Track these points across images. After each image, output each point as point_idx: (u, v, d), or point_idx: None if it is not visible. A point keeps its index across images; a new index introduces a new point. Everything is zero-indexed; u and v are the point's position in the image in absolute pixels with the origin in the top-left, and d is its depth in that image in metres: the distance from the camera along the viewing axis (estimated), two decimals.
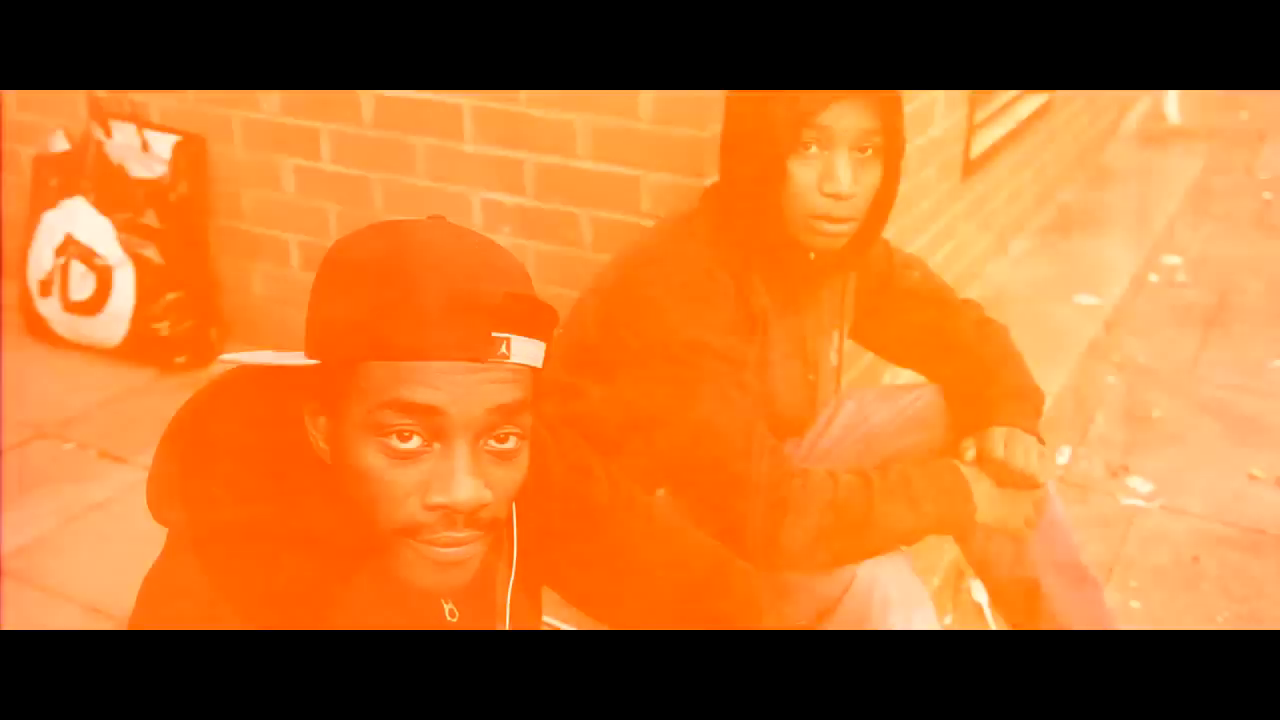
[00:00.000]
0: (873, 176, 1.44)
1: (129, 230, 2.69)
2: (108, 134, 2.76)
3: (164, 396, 2.61)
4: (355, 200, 2.51)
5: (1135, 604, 2.28)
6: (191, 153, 2.70)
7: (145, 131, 2.72)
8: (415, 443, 0.91)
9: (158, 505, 0.99)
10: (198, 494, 0.96)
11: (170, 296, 2.71)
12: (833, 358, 1.70)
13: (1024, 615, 1.85)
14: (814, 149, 1.41)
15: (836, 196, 1.41)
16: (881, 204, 1.48)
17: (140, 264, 2.69)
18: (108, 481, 2.35)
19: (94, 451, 2.45)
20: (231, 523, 0.95)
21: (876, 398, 1.86)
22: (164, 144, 2.70)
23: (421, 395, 0.90)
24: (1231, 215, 4.32)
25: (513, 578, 1.10)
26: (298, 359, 0.98)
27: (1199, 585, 2.35)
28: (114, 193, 2.71)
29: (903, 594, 1.46)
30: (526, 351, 0.94)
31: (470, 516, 0.92)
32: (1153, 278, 3.79)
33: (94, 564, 2.12)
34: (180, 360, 2.74)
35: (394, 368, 0.90)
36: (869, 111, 1.40)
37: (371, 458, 0.92)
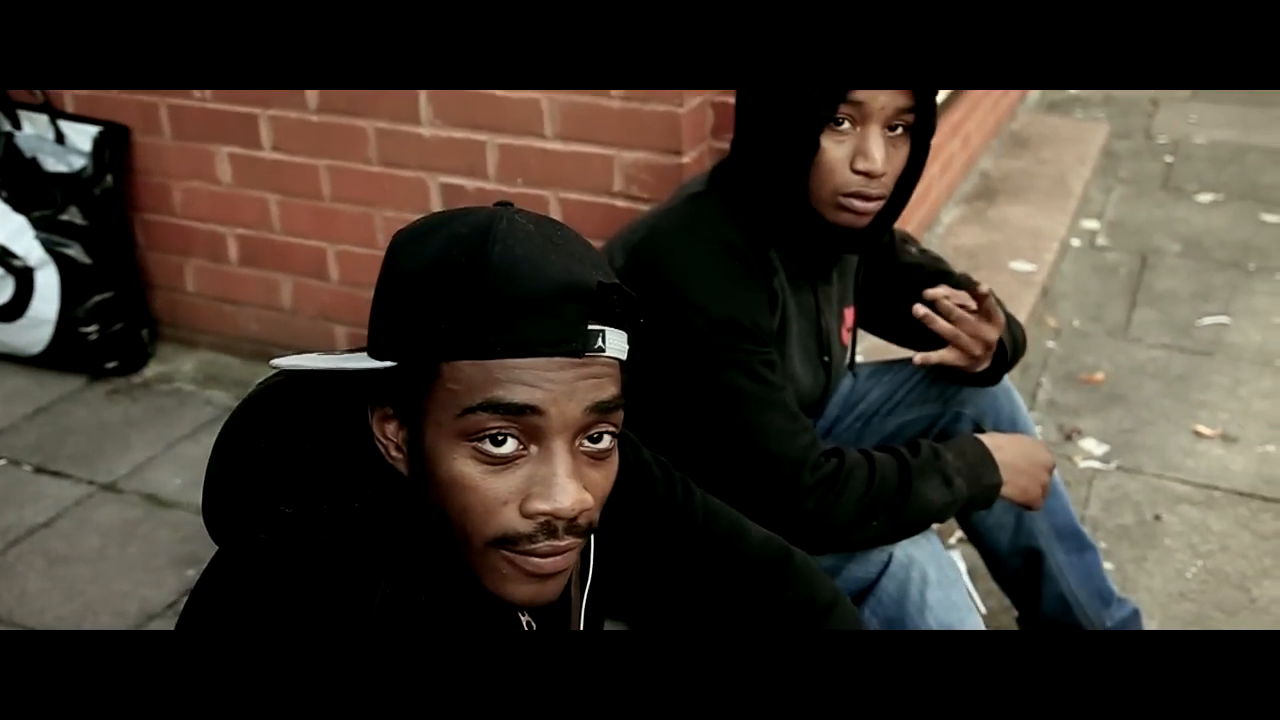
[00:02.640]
0: (902, 155, 1.41)
1: (48, 229, 2.52)
2: (16, 125, 2.58)
3: (97, 405, 2.44)
4: (301, 189, 2.37)
5: (1108, 565, 2.31)
6: (115, 144, 2.53)
7: (60, 122, 2.54)
8: (510, 446, 0.85)
9: (217, 524, 0.91)
10: (263, 511, 0.88)
11: (98, 298, 2.54)
12: (845, 337, 1.66)
13: (1026, 585, 1.86)
14: (846, 125, 1.36)
15: (868, 174, 1.37)
16: (907, 184, 1.44)
17: (64, 264, 2.52)
18: (49, 499, 2.19)
19: (28, 468, 2.28)
20: (304, 541, 0.87)
21: (869, 375, 1.84)
22: (82, 136, 2.53)
23: (520, 395, 0.83)
24: (1138, 178, 4.44)
25: (589, 586, 1.04)
26: (362, 361, 0.90)
27: (1163, 542, 2.39)
28: (29, 189, 2.53)
29: (939, 573, 1.44)
30: (619, 344, 0.89)
31: (570, 523, 0.86)
32: (1075, 242, 3.86)
33: (47, 589, 1.98)
34: (111, 365, 2.57)
35: (486, 366, 0.83)
36: (905, 89, 1.36)
37: (463, 465, 0.85)
